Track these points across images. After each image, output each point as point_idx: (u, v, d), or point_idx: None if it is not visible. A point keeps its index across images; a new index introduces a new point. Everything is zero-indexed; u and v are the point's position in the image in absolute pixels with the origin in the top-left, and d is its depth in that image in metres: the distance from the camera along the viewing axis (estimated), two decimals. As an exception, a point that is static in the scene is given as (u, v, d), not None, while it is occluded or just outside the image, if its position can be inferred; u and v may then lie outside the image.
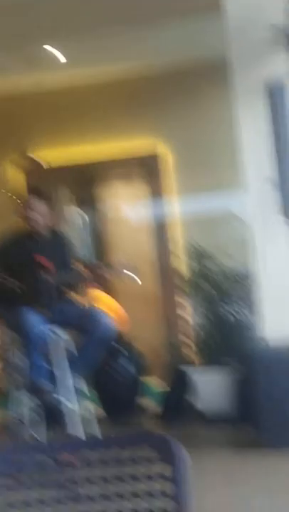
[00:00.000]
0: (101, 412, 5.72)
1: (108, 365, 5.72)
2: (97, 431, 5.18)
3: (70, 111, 7.03)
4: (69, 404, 4.80)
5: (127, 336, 5.92)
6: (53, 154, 7.22)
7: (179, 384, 5.63)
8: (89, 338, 4.93)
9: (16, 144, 7.09)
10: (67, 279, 5.01)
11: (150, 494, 1.74)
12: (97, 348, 4.95)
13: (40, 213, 5.11)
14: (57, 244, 5.27)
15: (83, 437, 4.80)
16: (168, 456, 1.73)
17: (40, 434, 5.07)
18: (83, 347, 4.96)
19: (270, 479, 4.24)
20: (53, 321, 4.87)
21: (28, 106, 7.05)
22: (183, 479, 1.71)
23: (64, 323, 4.91)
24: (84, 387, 5.15)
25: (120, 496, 1.75)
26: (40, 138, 7.19)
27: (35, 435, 4.91)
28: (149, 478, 1.75)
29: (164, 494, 1.73)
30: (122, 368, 5.80)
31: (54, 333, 4.82)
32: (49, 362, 4.88)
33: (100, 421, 5.32)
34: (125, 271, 4.97)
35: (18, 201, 5.34)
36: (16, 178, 7.19)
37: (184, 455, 1.74)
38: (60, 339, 4.85)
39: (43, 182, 6.49)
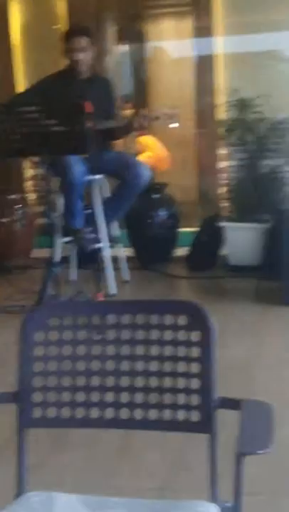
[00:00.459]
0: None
1: (146, 216, 5.77)
2: (127, 274, 5.34)
3: None
4: (102, 245, 4.99)
5: (166, 187, 5.91)
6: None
7: (211, 236, 5.66)
8: (123, 185, 5.01)
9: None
10: (109, 125, 4.90)
11: (176, 357, 1.77)
12: (129, 195, 5.04)
13: (83, 51, 4.94)
14: (101, 87, 5.12)
15: (113, 279, 4.95)
16: (197, 322, 1.75)
17: (72, 273, 5.28)
18: (117, 193, 5.08)
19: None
20: (93, 167, 4.91)
21: None
22: (210, 345, 1.74)
23: (103, 170, 5.00)
24: (116, 231, 5.31)
25: (147, 358, 1.79)
26: None
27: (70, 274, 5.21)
28: (177, 342, 1.77)
29: (190, 358, 1.76)
30: (160, 219, 5.82)
31: (93, 179, 4.93)
32: (86, 206, 5.02)
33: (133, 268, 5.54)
34: (167, 120, 4.85)
35: (61, 38, 5.09)
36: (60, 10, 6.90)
37: (211, 322, 1.75)
38: (98, 184, 4.98)
39: (86, 14, 6.26)
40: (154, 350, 1.78)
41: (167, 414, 1.75)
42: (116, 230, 5.34)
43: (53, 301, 4.34)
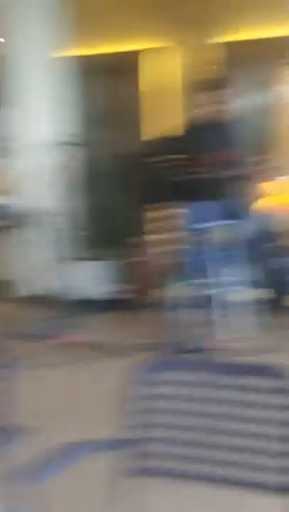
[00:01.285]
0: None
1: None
2: (250, 320, 5.23)
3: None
4: (218, 293, 5.00)
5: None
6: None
7: None
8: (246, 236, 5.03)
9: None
10: (238, 173, 4.96)
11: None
12: (251, 245, 5.05)
13: (223, 103, 5.10)
14: (230, 135, 5.18)
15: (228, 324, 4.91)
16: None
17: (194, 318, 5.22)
18: (240, 243, 5.07)
19: None
20: (218, 215, 4.97)
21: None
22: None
23: (228, 218, 5.01)
24: (242, 277, 5.22)
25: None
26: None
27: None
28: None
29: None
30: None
31: (215, 227, 4.96)
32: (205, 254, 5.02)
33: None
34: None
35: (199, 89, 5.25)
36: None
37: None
38: (220, 233, 4.99)
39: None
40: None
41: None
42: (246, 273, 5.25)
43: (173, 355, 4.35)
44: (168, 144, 5.23)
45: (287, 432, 1.78)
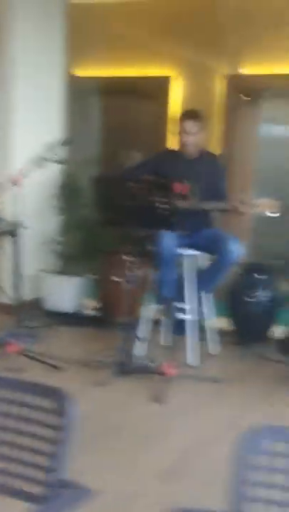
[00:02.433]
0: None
1: (246, 295, 5.71)
2: (216, 348, 5.32)
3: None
4: (190, 316, 5.13)
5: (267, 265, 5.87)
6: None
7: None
8: (215, 260, 5.12)
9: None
10: (206, 206, 5.06)
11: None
12: (220, 270, 5.14)
13: (192, 135, 5.12)
14: (209, 165, 5.26)
15: (194, 350, 4.98)
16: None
17: (165, 338, 5.29)
18: (209, 267, 5.21)
19: None
20: (191, 243, 5.15)
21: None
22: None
23: (199, 246, 5.15)
24: (209, 304, 5.31)
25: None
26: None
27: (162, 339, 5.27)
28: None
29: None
30: (261, 300, 5.71)
31: (186, 253, 5.13)
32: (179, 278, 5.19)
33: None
34: (266, 209, 4.81)
35: (175, 120, 5.32)
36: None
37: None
38: (191, 259, 5.15)
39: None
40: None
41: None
42: (208, 302, 5.31)
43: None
44: (130, 171, 5.31)
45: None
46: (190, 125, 5.10)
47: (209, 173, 5.17)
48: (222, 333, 5.76)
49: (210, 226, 5.28)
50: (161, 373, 4.54)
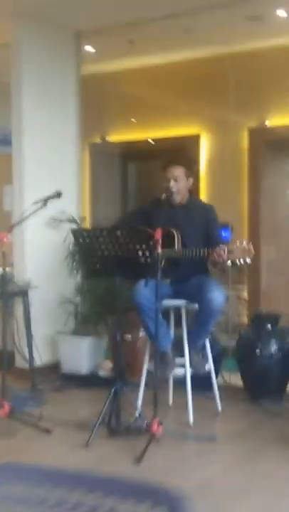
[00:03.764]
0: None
1: (257, 348, 5.52)
2: (218, 405, 5.23)
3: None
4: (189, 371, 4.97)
5: (280, 318, 5.67)
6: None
7: None
8: (199, 310, 4.95)
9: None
10: (187, 254, 4.92)
11: None
12: (205, 320, 4.97)
13: (176, 180, 5.07)
14: (198, 214, 5.17)
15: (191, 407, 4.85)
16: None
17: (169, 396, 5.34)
18: (195, 319, 5.03)
19: None
20: (178, 292, 5.02)
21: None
22: None
23: (185, 295, 5.01)
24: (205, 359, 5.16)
25: None
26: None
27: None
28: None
29: None
30: (273, 352, 5.51)
31: (173, 304, 5.03)
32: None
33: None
34: (240, 255, 4.67)
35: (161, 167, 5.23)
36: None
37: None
38: (180, 309, 5.03)
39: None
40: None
41: None
42: (200, 356, 5.15)
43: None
44: (130, 219, 5.27)
45: None
46: (173, 171, 5.05)
47: (200, 221, 5.08)
48: (234, 390, 5.63)
49: (202, 274, 5.09)
50: (150, 432, 4.41)
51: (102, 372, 6.22)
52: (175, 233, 4.97)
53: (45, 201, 5.07)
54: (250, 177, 7.34)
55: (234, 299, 7.28)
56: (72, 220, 6.30)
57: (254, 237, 7.09)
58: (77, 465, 4.18)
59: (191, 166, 5.22)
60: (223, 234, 6.85)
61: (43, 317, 6.22)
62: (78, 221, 6.36)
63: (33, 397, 5.53)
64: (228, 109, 7.19)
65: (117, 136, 8.21)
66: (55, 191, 5.12)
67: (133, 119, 8.11)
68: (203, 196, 7.32)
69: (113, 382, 4.68)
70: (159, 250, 4.45)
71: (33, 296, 6.02)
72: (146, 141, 7.99)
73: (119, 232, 4.58)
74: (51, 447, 4.53)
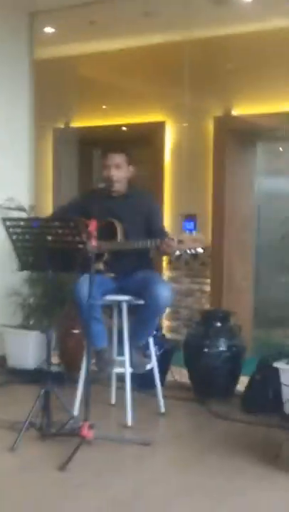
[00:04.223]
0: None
1: (201, 343, 5.32)
2: (162, 405, 5.00)
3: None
4: (128, 369, 4.75)
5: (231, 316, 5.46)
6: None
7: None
8: (143, 306, 4.69)
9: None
10: (130, 246, 4.69)
11: None
12: (148, 316, 4.74)
13: (116, 168, 4.82)
14: (139, 203, 4.91)
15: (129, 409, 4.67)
16: None
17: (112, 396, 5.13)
18: (138, 315, 4.77)
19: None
20: (121, 288, 4.80)
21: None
22: None
23: (129, 290, 4.76)
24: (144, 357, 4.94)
25: None
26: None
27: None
28: None
29: None
30: (221, 350, 5.31)
31: (115, 300, 4.79)
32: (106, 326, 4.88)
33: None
34: (191, 244, 4.42)
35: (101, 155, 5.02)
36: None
37: None
38: (120, 305, 4.78)
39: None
40: None
41: None
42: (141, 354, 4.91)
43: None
44: (68, 209, 5.00)
45: None
46: (113, 158, 4.81)
47: (141, 211, 4.83)
48: (181, 388, 5.43)
49: (147, 268, 4.86)
50: (80, 436, 4.18)
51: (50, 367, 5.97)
52: (116, 224, 4.73)
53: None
54: (215, 166, 7.09)
55: (197, 293, 7.08)
56: (21, 209, 6.05)
57: (218, 228, 6.89)
58: (1, 472, 3.97)
59: (131, 153, 4.95)
60: (187, 225, 6.70)
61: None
62: (27, 209, 6.11)
63: None
64: (194, 97, 6.94)
65: (81, 122, 7.94)
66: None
67: (104, 106, 7.86)
68: (168, 185, 7.11)
69: (45, 380, 4.45)
70: (94, 243, 4.23)
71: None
72: (112, 127, 7.74)
73: (54, 223, 4.36)
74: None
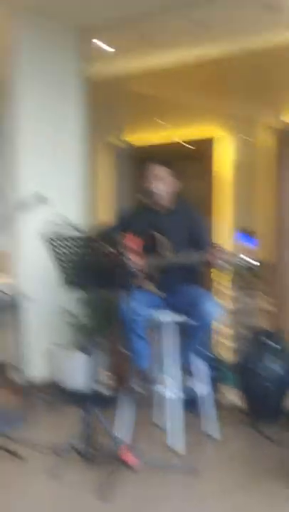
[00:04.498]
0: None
1: (254, 363, 5.10)
2: (214, 428, 4.71)
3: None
4: (168, 392, 4.56)
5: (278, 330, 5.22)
6: None
7: None
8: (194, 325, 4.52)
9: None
10: (179, 260, 4.51)
11: None
12: (196, 334, 4.57)
13: (160, 180, 4.66)
14: (185, 218, 4.75)
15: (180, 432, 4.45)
16: None
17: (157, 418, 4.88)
18: (187, 333, 4.59)
19: None
20: (168, 305, 4.64)
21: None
22: None
23: (176, 308, 4.61)
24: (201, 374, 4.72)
25: None
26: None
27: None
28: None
29: None
30: (270, 367, 5.07)
31: (154, 317, 4.58)
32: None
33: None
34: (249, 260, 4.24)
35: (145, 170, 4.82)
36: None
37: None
38: (167, 324, 4.58)
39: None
40: None
41: None
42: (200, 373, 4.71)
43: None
44: (104, 231, 4.84)
45: None
46: (157, 170, 4.67)
47: (185, 225, 4.67)
48: (232, 410, 5.19)
49: (194, 283, 4.68)
50: (122, 461, 4.00)
51: (100, 388, 5.82)
52: (161, 238, 4.56)
53: (25, 206, 4.72)
54: (277, 180, 6.84)
55: (256, 311, 6.83)
56: (74, 227, 5.90)
57: (280, 243, 6.64)
58: (40, 496, 3.82)
59: (174, 166, 4.80)
60: (244, 239, 6.47)
61: (39, 330, 5.86)
62: (79, 228, 5.95)
63: (18, 416, 5.16)
64: (251, 109, 6.73)
65: (137, 138, 7.82)
66: (35, 194, 4.75)
67: (161, 121, 7.71)
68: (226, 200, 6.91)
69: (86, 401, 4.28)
70: (138, 260, 4.09)
71: (30, 308, 5.66)
72: (171, 143, 7.58)
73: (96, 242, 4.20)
74: (17, 474, 4.16)
